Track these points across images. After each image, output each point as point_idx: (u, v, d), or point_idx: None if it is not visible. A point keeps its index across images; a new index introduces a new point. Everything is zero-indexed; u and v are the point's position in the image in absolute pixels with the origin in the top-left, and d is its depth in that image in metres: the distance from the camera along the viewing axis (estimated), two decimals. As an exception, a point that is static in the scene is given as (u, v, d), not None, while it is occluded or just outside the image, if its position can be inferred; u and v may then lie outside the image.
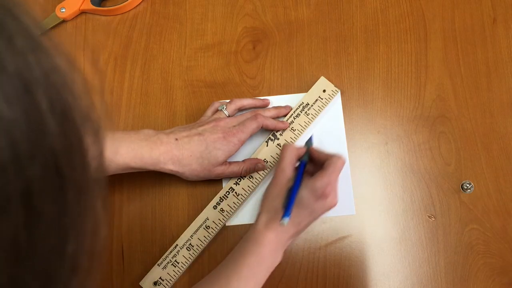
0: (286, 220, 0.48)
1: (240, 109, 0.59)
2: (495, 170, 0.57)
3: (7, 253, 0.15)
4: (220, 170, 0.54)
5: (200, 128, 0.54)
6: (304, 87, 0.61)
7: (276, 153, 0.57)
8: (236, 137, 0.54)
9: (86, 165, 0.18)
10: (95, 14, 0.66)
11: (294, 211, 0.49)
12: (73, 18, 0.66)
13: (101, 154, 0.20)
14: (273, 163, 0.57)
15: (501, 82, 0.60)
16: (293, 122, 0.58)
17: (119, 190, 0.59)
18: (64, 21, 0.65)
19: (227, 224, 0.57)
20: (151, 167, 0.52)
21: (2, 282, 0.15)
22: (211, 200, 0.56)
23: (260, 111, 0.58)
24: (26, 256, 0.15)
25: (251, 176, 0.57)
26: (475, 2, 0.63)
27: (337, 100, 0.60)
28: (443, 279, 0.55)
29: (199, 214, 0.56)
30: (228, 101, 0.59)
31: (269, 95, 0.61)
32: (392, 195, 0.57)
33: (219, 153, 0.53)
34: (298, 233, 0.51)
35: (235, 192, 0.56)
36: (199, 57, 0.63)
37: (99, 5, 0.65)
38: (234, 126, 0.55)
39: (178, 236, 0.56)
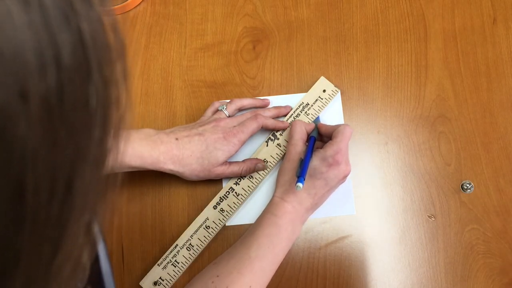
0: (300, 185, 0.48)
1: (240, 109, 0.59)
2: (495, 170, 0.57)
3: (40, 108, 0.16)
4: (220, 170, 0.54)
5: (201, 128, 0.54)
6: (304, 87, 0.61)
7: (276, 153, 0.57)
8: (236, 137, 0.54)
9: (112, 58, 0.19)
10: (95, 14, 0.66)
11: (308, 182, 0.51)
12: (73, 18, 0.66)
13: (122, 47, 0.20)
14: (273, 163, 0.57)
15: (501, 82, 0.60)
16: (292, 121, 0.58)
17: (119, 190, 0.59)
18: (64, 21, 0.65)
19: (227, 224, 0.57)
20: (151, 167, 0.52)
21: (37, 135, 0.16)
22: (211, 200, 0.56)
23: (260, 111, 0.58)
24: (58, 119, 0.16)
25: (251, 176, 0.57)
26: (475, 2, 0.63)
27: (337, 100, 0.60)
28: (443, 279, 0.55)
29: (199, 214, 0.56)
30: (228, 101, 0.59)
31: (269, 95, 0.61)
32: (392, 195, 0.57)
33: (219, 153, 0.53)
34: (314, 205, 0.53)
35: (235, 192, 0.56)
36: (199, 57, 0.63)
37: (99, 5, 0.65)
38: (234, 126, 0.55)
39: (178, 236, 0.56)
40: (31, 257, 0.17)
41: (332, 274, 0.55)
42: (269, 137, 0.58)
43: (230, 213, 0.56)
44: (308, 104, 0.59)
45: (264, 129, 0.57)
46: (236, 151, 0.55)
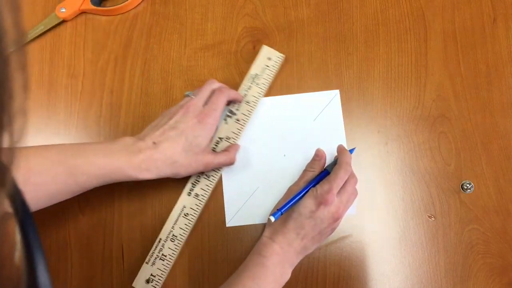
0: (273, 218, 0.47)
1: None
2: (495, 170, 0.57)
3: None
4: (209, 159, 0.53)
5: (171, 122, 0.52)
6: (304, 87, 0.61)
7: (237, 128, 0.58)
8: (211, 117, 0.53)
9: None
10: (95, 14, 0.66)
11: (298, 221, 0.49)
12: (73, 18, 0.66)
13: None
14: (236, 138, 0.58)
15: (501, 82, 0.60)
16: (247, 95, 0.59)
17: (119, 190, 0.59)
18: (64, 21, 0.65)
19: (227, 225, 0.57)
20: (135, 175, 0.49)
21: None
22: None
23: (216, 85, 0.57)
24: None
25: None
26: (475, 2, 0.63)
27: (336, 100, 0.60)
28: (443, 279, 0.55)
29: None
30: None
31: (269, 95, 0.61)
32: (392, 195, 0.57)
33: (200, 140, 0.52)
34: (304, 249, 0.50)
35: (206, 175, 0.57)
36: (199, 57, 0.63)
37: (99, 5, 0.65)
38: (204, 106, 0.54)
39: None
40: None
41: (332, 274, 0.55)
42: (227, 114, 0.58)
43: (205, 196, 0.56)
44: (257, 75, 0.60)
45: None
46: (214, 131, 0.54)
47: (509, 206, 0.56)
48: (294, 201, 0.50)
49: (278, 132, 0.60)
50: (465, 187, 0.57)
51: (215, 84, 0.57)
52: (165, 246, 0.55)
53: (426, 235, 0.56)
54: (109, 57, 0.64)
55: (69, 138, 0.61)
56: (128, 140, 0.51)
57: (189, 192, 0.56)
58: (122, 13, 0.65)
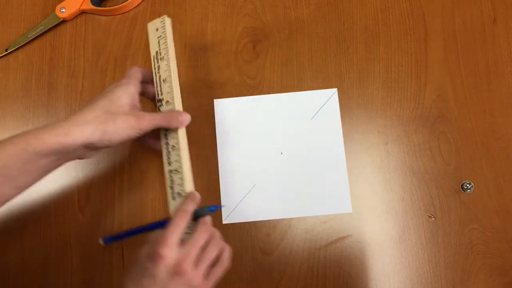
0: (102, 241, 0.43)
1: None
2: (495, 170, 0.57)
3: None
4: (139, 113, 0.48)
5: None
6: (304, 87, 0.61)
7: (169, 108, 0.53)
8: (126, 77, 0.50)
9: None
10: (95, 14, 0.66)
11: (137, 282, 0.41)
12: (73, 18, 0.66)
13: None
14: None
15: (501, 82, 0.60)
16: (160, 75, 0.55)
17: (119, 189, 0.59)
18: (64, 21, 0.66)
19: (223, 222, 0.57)
20: (66, 136, 0.44)
21: None
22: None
23: None
24: None
25: (174, 146, 0.53)
26: (475, 2, 0.63)
27: (334, 100, 0.60)
28: (443, 279, 0.55)
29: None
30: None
31: (268, 93, 0.61)
32: (392, 195, 0.57)
33: (119, 93, 0.47)
34: None
35: (175, 170, 0.53)
36: (199, 57, 0.63)
37: (99, 5, 0.66)
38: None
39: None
40: None
41: (332, 274, 0.55)
42: (156, 104, 0.54)
43: (183, 186, 0.53)
44: (157, 51, 0.55)
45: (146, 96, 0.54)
46: (136, 89, 0.50)
47: (509, 206, 0.56)
48: (132, 233, 0.45)
49: (276, 129, 0.60)
50: (465, 187, 0.57)
51: None
52: None
53: (426, 235, 0.56)
54: (109, 57, 0.64)
55: (69, 138, 0.61)
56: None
57: (174, 196, 0.53)
58: (122, 13, 0.65)
